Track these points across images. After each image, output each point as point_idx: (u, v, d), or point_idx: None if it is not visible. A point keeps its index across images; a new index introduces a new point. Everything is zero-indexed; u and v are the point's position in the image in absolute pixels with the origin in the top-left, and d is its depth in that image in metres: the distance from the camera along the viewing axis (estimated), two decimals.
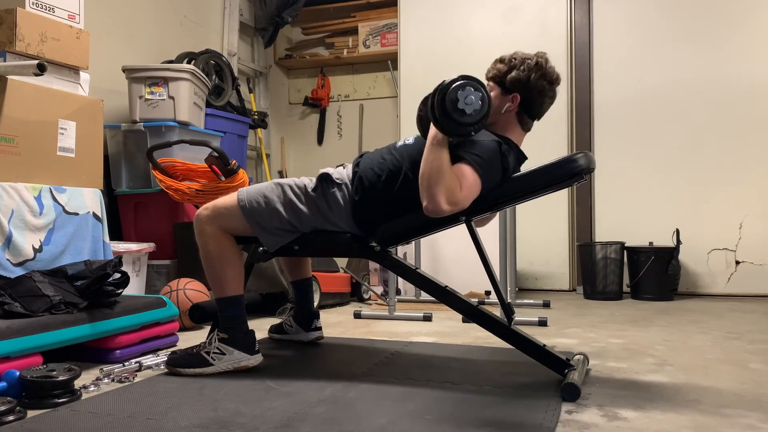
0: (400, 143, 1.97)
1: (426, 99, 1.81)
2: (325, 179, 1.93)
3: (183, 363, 1.87)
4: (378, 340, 2.44)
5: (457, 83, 1.63)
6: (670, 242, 3.70)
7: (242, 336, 1.91)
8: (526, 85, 1.85)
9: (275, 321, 2.61)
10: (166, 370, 1.89)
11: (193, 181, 2.91)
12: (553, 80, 1.87)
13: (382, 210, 1.88)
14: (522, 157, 1.92)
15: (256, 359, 1.92)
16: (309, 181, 1.95)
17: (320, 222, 1.92)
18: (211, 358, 1.87)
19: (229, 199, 1.96)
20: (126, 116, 3.41)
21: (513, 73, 1.85)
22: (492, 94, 1.84)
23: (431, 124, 1.72)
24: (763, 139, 3.74)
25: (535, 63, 1.85)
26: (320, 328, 2.35)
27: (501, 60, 1.90)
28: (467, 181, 1.71)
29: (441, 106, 1.64)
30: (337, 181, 1.92)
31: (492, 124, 1.87)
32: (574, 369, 1.71)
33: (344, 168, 1.99)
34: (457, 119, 1.63)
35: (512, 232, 3.44)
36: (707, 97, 3.84)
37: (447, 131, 1.68)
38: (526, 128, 1.93)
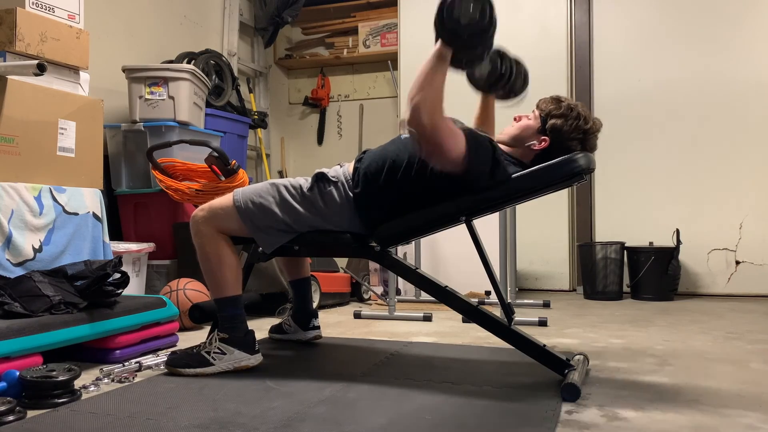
0: (404, 136, 1.97)
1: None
2: (320, 178, 1.93)
3: (183, 363, 1.87)
4: (378, 340, 2.44)
5: None
6: (670, 242, 3.70)
7: (242, 336, 1.91)
8: (559, 137, 1.83)
9: (275, 321, 2.61)
10: (166, 370, 1.89)
11: (193, 181, 2.91)
12: (586, 148, 1.84)
13: (384, 200, 1.87)
14: None
15: (257, 359, 1.92)
16: (305, 181, 1.95)
17: (317, 221, 1.92)
18: (212, 357, 1.87)
19: (224, 200, 1.97)
20: (126, 116, 3.41)
21: (559, 121, 1.82)
22: (531, 122, 1.86)
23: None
24: (764, 139, 3.74)
25: (586, 129, 1.83)
26: (318, 327, 2.35)
27: (559, 100, 1.87)
28: (456, 131, 1.70)
29: (439, 14, 1.59)
30: (333, 179, 1.92)
31: (511, 147, 1.88)
32: (574, 369, 1.71)
33: (341, 167, 1.99)
34: (454, 27, 1.58)
35: (512, 232, 3.44)
36: (707, 97, 3.84)
37: (446, 41, 1.62)
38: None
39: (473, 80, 1.99)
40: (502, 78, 1.96)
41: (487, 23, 1.58)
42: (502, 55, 1.96)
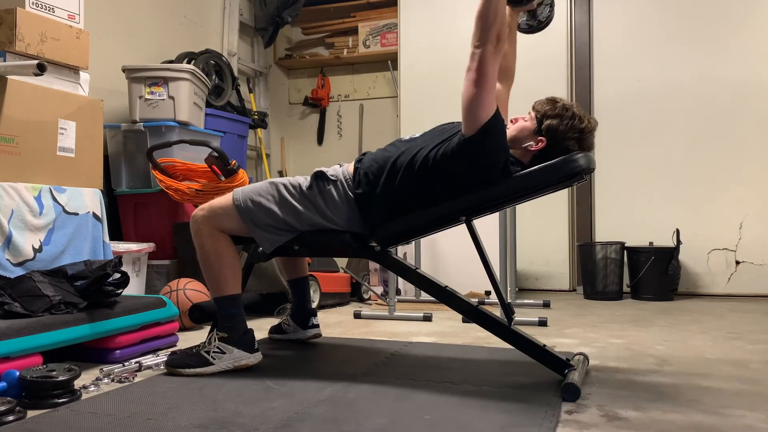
0: (405, 137, 1.97)
1: None
2: (319, 177, 1.93)
3: (183, 363, 1.87)
4: (378, 340, 2.44)
5: None
6: (670, 242, 3.71)
7: (242, 335, 1.91)
8: (555, 137, 1.83)
9: (275, 321, 2.61)
10: (166, 371, 1.89)
11: (193, 181, 2.91)
12: (583, 148, 1.84)
13: (384, 201, 1.88)
14: None
15: (256, 357, 1.92)
16: (304, 180, 1.96)
17: (316, 220, 1.92)
18: (212, 357, 1.87)
19: (224, 199, 1.97)
20: (126, 116, 3.41)
21: (554, 121, 1.83)
22: (527, 123, 1.87)
23: None
24: (763, 139, 3.74)
25: (582, 128, 1.83)
26: (317, 326, 2.35)
27: (554, 101, 1.87)
28: (494, 92, 1.72)
29: None
30: (332, 178, 1.93)
31: (510, 149, 1.87)
32: (574, 369, 1.71)
33: (341, 167, 1.99)
34: None
35: (512, 232, 3.44)
36: (707, 97, 3.84)
37: None
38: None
39: (534, 20, 2.06)
40: (545, 10, 2.03)
41: None
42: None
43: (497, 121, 1.73)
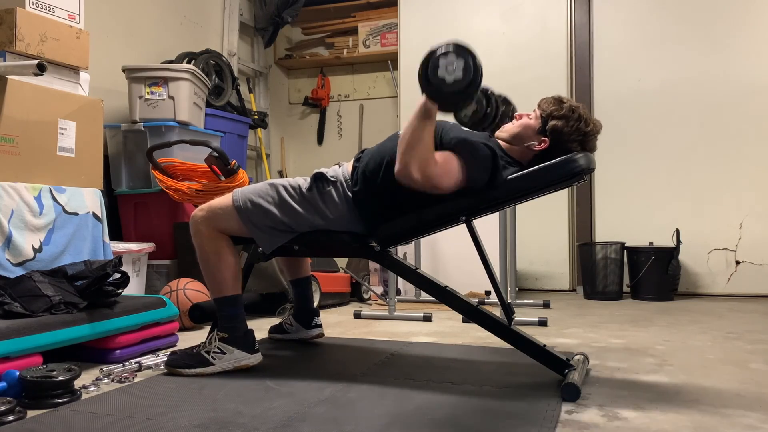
0: (401, 131, 1.96)
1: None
2: (319, 178, 1.93)
3: (183, 363, 1.87)
4: (378, 340, 2.44)
5: (441, 51, 1.61)
6: (670, 242, 3.70)
7: (242, 335, 1.91)
8: (559, 138, 1.82)
9: (275, 321, 2.61)
10: (166, 371, 1.89)
11: (193, 181, 2.91)
12: (585, 150, 1.84)
13: (383, 199, 1.87)
14: None
15: (256, 358, 1.92)
16: (303, 181, 1.95)
17: (316, 221, 1.92)
18: (212, 357, 1.87)
19: (224, 200, 1.97)
20: (126, 116, 3.41)
21: (560, 122, 1.81)
22: (532, 122, 1.85)
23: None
24: (763, 139, 3.74)
25: (587, 131, 1.82)
26: (320, 326, 2.35)
27: (560, 101, 1.86)
28: (449, 165, 1.74)
29: (424, 72, 1.63)
30: (332, 179, 1.93)
31: (510, 144, 1.88)
32: (574, 369, 1.71)
33: (340, 167, 1.99)
34: (438, 86, 1.62)
35: (512, 232, 3.44)
36: (707, 97, 3.84)
37: (431, 98, 1.66)
38: None
39: (458, 118, 1.97)
40: (487, 118, 1.93)
41: (471, 79, 1.60)
42: (488, 95, 1.92)
43: (470, 170, 1.75)
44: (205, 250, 1.93)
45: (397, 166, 1.74)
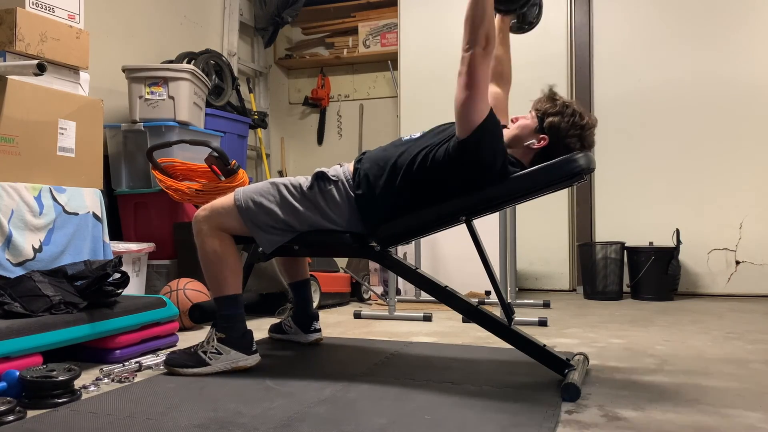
0: (405, 137, 1.97)
1: None
2: (320, 177, 1.93)
3: (180, 363, 1.87)
4: (378, 340, 2.44)
5: None
6: (670, 242, 3.71)
7: (240, 336, 1.91)
8: (557, 135, 1.82)
9: (275, 321, 2.60)
10: (166, 370, 1.89)
11: (193, 181, 2.91)
12: (584, 145, 1.84)
13: (385, 202, 1.87)
14: None
15: (254, 359, 1.92)
16: (305, 180, 1.96)
17: (317, 220, 1.92)
18: (208, 357, 1.86)
19: (226, 200, 1.97)
20: (126, 116, 3.41)
21: (556, 119, 1.82)
22: (529, 122, 1.86)
23: None
24: (763, 138, 3.74)
25: (583, 124, 1.83)
26: (319, 330, 2.35)
27: (553, 98, 1.87)
28: (487, 95, 1.73)
29: None
30: (333, 178, 1.93)
31: (510, 147, 1.88)
32: (574, 369, 1.71)
33: (341, 167, 1.99)
34: None
35: (512, 232, 3.44)
36: (707, 97, 3.84)
37: None
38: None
39: (524, 20, 2.06)
40: (531, 26, 2.05)
41: None
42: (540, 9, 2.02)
43: (491, 123, 1.73)
44: (206, 249, 1.93)
45: (464, 46, 1.67)
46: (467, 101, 1.69)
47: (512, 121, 1.93)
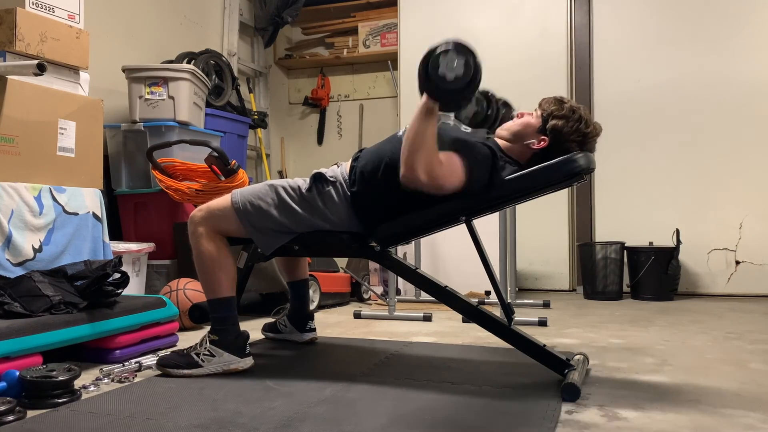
0: (400, 132, 1.96)
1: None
2: (318, 178, 1.93)
3: (173, 364, 1.86)
4: (378, 340, 2.44)
5: (441, 49, 1.60)
6: (670, 242, 3.70)
7: (233, 338, 1.89)
8: (558, 138, 1.82)
9: (271, 321, 2.60)
10: (158, 370, 1.89)
11: (193, 181, 2.91)
12: (584, 151, 1.83)
13: (381, 199, 1.87)
14: None
15: (246, 362, 1.90)
16: (303, 182, 1.95)
17: (316, 222, 1.92)
18: (201, 360, 1.85)
19: (223, 201, 1.96)
20: (126, 116, 3.41)
21: (560, 122, 1.82)
22: (533, 120, 1.86)
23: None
24: (763, 139, 3.74)
25: (586, 132, 1.83)
26: (314, 330, 2.35)
27: (561, 101, 1.86)
28: (452, 165, 1.73)
29: (424, 70, 1.62)
30: (331, 179, 1.92)
31: (510, 143, 1.88)
32: (574, 369, 1.71)
33: (338, 167, 1.99)
34: (438, 83, 1.60)
35: (512, 232, 3.44)
36: (707, 97, 3.84)
37: (432, 96, 1.64)
38: None
39: (458, 118, 1.98)
40: (488, 120, 1.97)
41: (472, 76, 1.60)
42: (489, 97, 1.96)
43: (472, 173, 1.75)
44: (201, 251, 1.91)
45: (402, 170, 1.72)
46: (436, 192, 1.76)
47: (517, 116, 1.92)
